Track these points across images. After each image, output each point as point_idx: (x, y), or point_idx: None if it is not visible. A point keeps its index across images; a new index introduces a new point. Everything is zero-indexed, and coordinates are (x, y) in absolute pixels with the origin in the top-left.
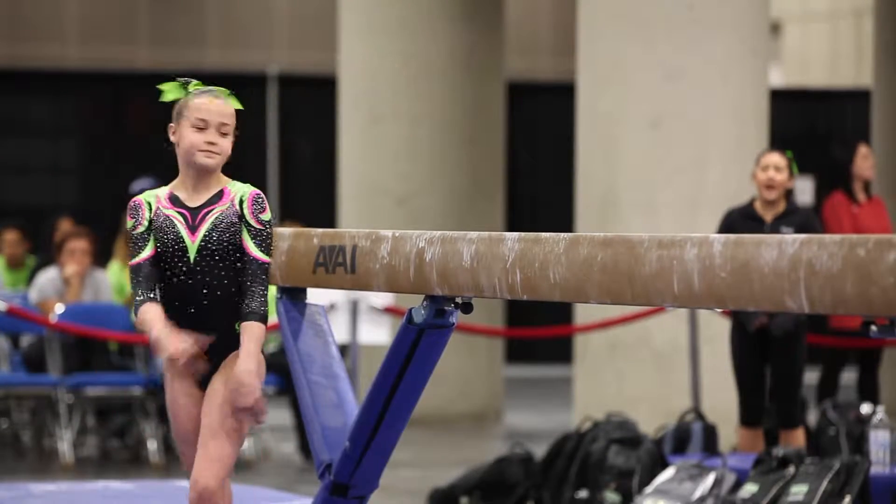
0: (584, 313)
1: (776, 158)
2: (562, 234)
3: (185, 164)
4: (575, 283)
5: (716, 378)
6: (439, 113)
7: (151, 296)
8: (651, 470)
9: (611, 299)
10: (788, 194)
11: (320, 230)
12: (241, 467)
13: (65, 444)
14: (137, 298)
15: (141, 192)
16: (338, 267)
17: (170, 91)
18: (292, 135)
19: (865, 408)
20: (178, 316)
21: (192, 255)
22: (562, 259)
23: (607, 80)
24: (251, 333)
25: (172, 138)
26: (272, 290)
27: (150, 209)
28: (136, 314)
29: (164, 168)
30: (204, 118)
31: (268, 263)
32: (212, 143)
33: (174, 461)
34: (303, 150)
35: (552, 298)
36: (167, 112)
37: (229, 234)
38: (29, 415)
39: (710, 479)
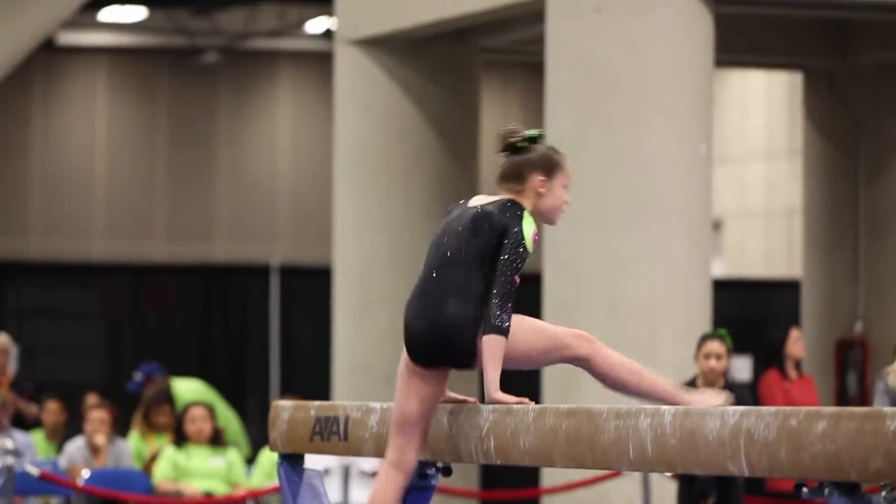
0: (551, 476)
1: (716, 346)
2: (531, 406)
3: (538, 214)
4: (542, 450)
5: None
6: None
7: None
8: None
9: (574, 464)
10: (725, 372)
11: (317, 402)
12: None
13: None
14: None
15: (142, 381)
16: (332, 435)
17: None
18: (293, 319)
19: None
20: None
21: None
22: (531, 428)
23: (568, 269)
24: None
25: (540, 189)
26: (273, 456)
27: None
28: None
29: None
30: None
31: None
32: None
33: None
34: (302, 333)
35: (522, 463)
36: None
37: None
38: None
39: None
